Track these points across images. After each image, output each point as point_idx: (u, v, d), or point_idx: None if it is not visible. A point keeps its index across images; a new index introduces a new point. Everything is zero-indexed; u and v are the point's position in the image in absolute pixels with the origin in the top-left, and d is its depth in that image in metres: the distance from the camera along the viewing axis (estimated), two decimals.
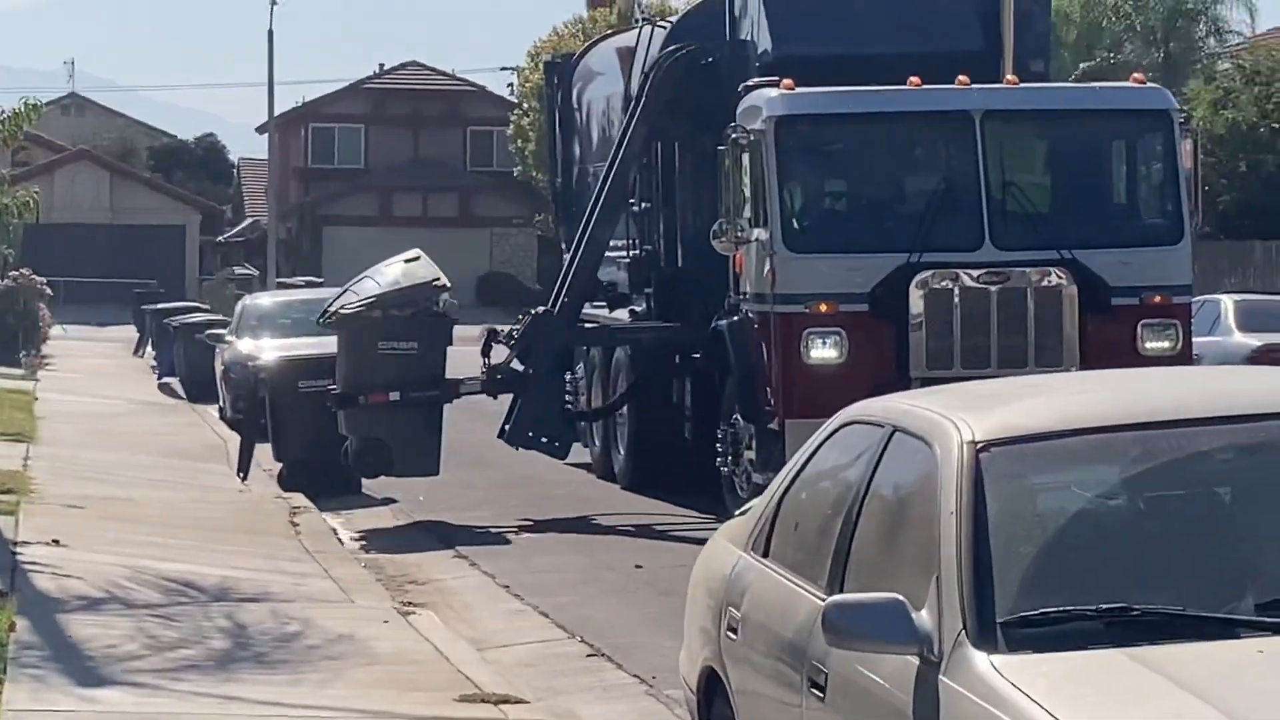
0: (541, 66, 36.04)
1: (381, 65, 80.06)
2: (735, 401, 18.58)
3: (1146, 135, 18.76)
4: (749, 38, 20.04)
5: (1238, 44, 47.68)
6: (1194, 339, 19.26)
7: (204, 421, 29.45)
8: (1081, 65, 43.45)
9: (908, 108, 18.19)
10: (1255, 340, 25.26)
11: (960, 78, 18.18)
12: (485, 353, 20.91)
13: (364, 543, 18.05)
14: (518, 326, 20.96)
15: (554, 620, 13.97)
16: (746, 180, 18.19)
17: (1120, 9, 49.81)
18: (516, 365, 20.74)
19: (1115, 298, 17.86)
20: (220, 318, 36.12)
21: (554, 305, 21.18)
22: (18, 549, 15.25)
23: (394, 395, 19.63)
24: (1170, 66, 45.35)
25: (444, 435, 20.11)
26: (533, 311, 21.21)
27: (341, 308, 20.28)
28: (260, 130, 74.03)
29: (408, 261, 20.70)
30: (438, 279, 20.22)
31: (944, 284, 17.66)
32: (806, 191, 18.37)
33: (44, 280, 43.60)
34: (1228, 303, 26.91)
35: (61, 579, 14.13)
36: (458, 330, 21.09)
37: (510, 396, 21.33)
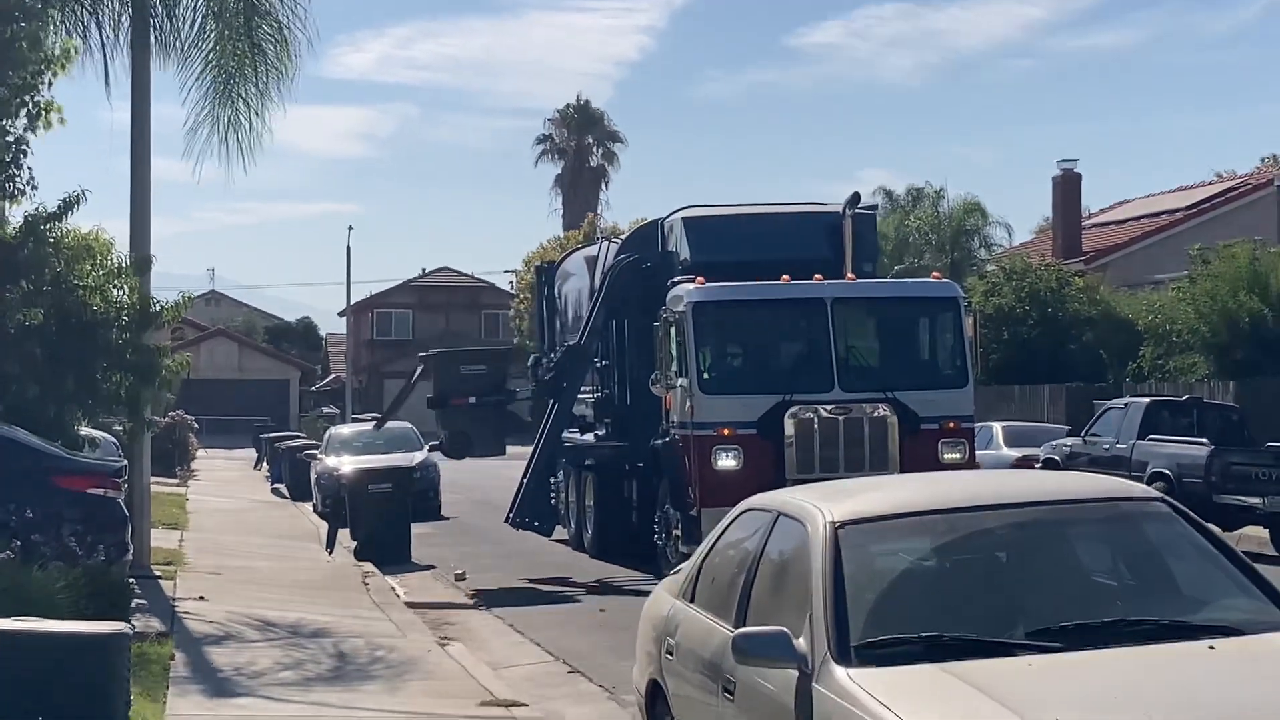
0: (533, 269, 36.07)
1: (424, 269, 79.77)
2: (667, 496, 18.54)
3: (942, 314, 18.80)
4: (675, 249, 20.15)
5: (1000, 253, 48.09)
6: (976, 452, 19.28)
7: (302, 514, 29.19)
8: (896, 267, 43.76)
9: (781, 295, 18.25)
10: (1016, 452, 25.26)
11: (816, 276, 18.31)
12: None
13: (413, 596, 17.90)
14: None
15: (545, 648, 13.88)
16: (673, 345, 18.25)
17: (921, 230, 50.49)
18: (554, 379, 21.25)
19: (923, 424, 17.86)
20: (313, 442, 35.90)
21: (542, 432, 21.14)
22: (175, 602, 15.10)
23: (471, 399, 21.33)
24: (956, 268, 45.66)
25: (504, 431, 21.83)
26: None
27: (435, 352, 23.47)
28: (341, 314, 73.73)
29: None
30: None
31: (807, 415, 17.69)
32: (714, 353, 18.37)
33: (193, 418, 43.23)
34: (998, 427, 26.92)
35: (205, 623, 13.98)
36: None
37: (512, 494, 21.26)
